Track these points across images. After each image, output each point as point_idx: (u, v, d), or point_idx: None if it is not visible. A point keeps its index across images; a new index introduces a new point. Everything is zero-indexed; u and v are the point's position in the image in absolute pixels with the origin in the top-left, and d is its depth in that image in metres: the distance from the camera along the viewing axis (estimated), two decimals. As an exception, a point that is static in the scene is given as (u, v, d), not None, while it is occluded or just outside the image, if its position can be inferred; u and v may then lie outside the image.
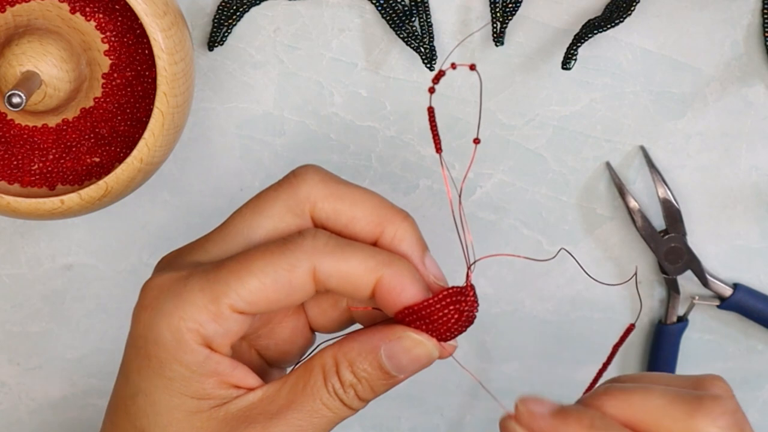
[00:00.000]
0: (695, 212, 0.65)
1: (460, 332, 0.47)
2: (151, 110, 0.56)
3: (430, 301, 0.46)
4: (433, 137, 0.48)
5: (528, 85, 0.63)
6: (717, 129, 0.64)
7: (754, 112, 0.63)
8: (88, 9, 0.57)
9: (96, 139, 0.59)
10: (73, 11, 0.57)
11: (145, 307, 0.46)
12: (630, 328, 0.51)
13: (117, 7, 0.57)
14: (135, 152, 0.56)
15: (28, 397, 0.68)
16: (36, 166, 0.59)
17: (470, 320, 0.47)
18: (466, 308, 0.46)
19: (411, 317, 0.46)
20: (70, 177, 0.59)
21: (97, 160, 0.59)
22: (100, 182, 0.56)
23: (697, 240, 0.65)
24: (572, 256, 0.53)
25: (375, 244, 0.47)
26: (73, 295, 0.66)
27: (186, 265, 0.47)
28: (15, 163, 0.59)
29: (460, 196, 0.49)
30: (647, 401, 0.45)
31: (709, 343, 0.68)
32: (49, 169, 0.59)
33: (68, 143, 0.59)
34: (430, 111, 0.47)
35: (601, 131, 0.64)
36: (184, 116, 0.57)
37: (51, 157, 0.59)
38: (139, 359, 0.46)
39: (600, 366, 0.51)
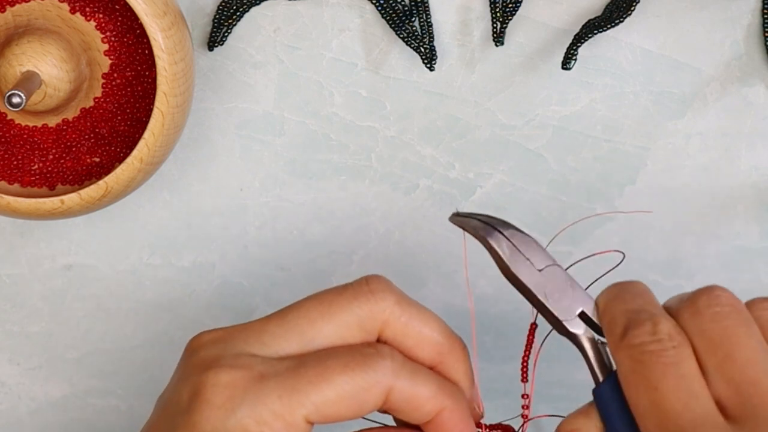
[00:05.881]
0: (695, 212, 0.65)
1: None
2: (151, 110, 0.56)
3: None
4: (523, 360, 0.52)
5: (528, 85, 0.63)
6: (717, 129, 0.64)
7: (754, 112, 0.63)
8: (88, 9, 0.57)
9: (96, 139, 0.59)
10: (73, 11, 0.57)
11: (217, 407, 0.45)
12: (532, 327, 0.55)
13: (117, 7, 0.57)
14: (135, 152, 0.56)
15: (28, 397, 0.68)
16: (36, 166, 0.59)
17: None
18: None
19: None
20: (70, 177, 0.59)
21: (97, 160, 0.59)
22: (100, 182, 0.56)
23: (697, 240, 0.65)
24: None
25: (432, 367, 0.49)
26: (73, 295, 0.66)
27: (248, 361, 0.46)
28: (15, 163, 0.59)
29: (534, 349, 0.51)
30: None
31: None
32: (49, 169, 0.59)
33: (68, 143, 0.59)
34: (532, 328, 0.52)
35: (601, 131, 0.63)
36: (184, 116, 0.57)
37: (51, 157, 0.59)
38: None
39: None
